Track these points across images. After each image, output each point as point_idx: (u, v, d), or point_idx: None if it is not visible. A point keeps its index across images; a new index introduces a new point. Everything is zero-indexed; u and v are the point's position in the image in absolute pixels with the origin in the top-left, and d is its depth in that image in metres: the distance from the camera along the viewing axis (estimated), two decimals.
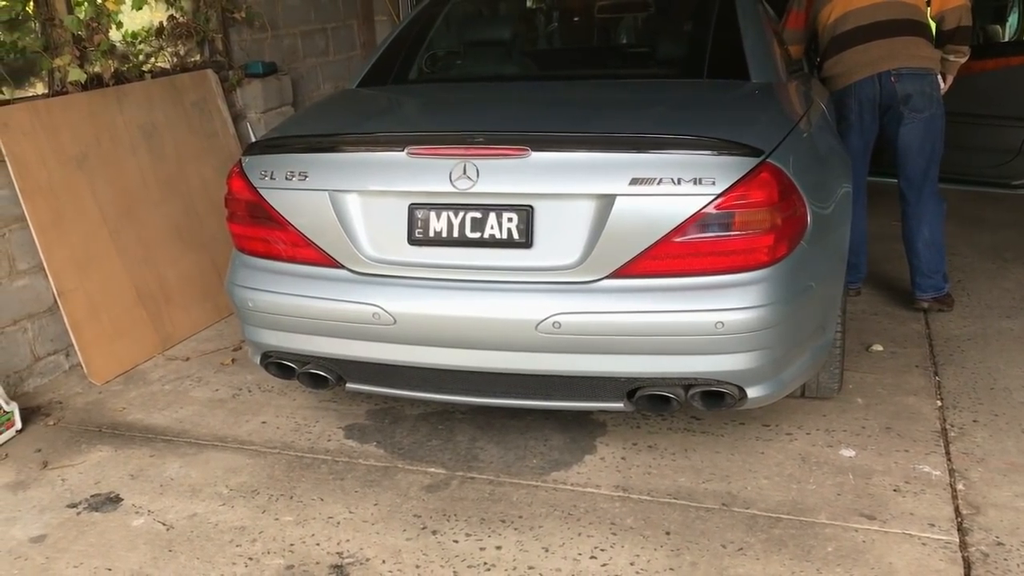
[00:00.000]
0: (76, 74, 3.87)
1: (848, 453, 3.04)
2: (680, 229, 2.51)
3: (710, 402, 2.70)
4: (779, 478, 2.91)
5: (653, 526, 2.70)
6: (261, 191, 2.84)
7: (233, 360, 4.04)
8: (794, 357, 2.74)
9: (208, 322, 4.45)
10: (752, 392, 2.66)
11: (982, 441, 3.07)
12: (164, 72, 4.58)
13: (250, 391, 3.73)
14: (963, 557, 2.50)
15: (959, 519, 2.66)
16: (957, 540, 2.57)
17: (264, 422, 3.46)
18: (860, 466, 2.96)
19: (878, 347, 3.81)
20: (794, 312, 2.61)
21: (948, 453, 3.01)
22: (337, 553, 2.66)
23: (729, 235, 2.50)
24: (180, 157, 4.49)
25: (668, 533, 2.67)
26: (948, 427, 3.17)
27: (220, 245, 4.51)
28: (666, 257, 2.54)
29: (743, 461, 3.02)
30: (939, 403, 3.34)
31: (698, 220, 2.49)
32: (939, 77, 3.99)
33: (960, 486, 2.83)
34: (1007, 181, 4.72)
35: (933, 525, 2.64)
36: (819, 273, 2.76)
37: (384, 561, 2.61)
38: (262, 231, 2.88)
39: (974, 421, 3.21)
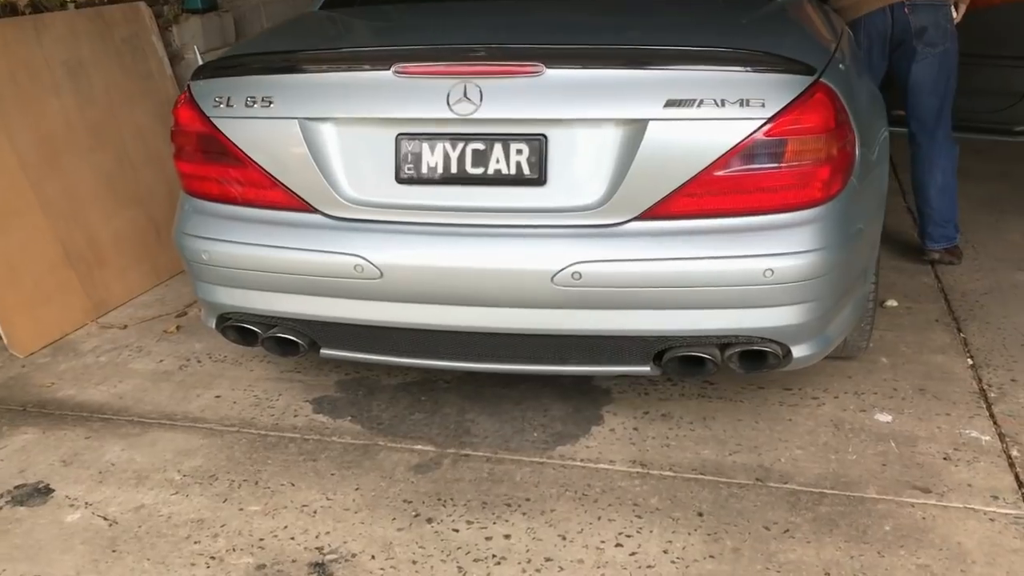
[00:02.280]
0: None
1: (884, 418, 2.73)
2: (723, 160, 2.13)
3: (749, 364, 2.35)
4: (814, 448, 2.59)
5: (682, 507, 2.36)
6: (215, 121, 2.39)
7: (178, 328, 3.58)
8: (839, 310, 2.41)
9: (147, 286, 3.98)
10: (797, 351, 2.33)
11: None
12: (89, 3, 4.03)
13: (199, 361, 3.28)
14: None
15: (1023, 490, 2.37)
16: None
17: (218, 396, 3.02)
18: (901, 432, 2.66)
19: (892, 302, 3.52)
20: (846, 257, 2.28)
21: (992, 416, 2.73)
22: (316, 548, 2.26)
23: (780, 167, 2.14)
24: (111, 100, 3.97)
25: (701, 514, 2.33)
26: (986, 387, 2.89)
27: (158, 200, 4.04)
28: (706, 194, 2.17)
29: (770, 430, 2.69)
30: (970, 361, 3.06)
31: (744, 149, 2.12)
32: (952, 8, 3.68)
33: (1015, 452, 2.54)
34: (1008, 127, 4.43)
35: (996, 497, 2.35)
36: (867, 213, 2.43)
37: (373, 556, 2.22)
38: (217, 169, 2.43)
39: (1012, 380, 2.93)
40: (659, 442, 2.65)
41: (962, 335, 3.25)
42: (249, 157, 2.37)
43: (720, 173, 2.15)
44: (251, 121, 2.35)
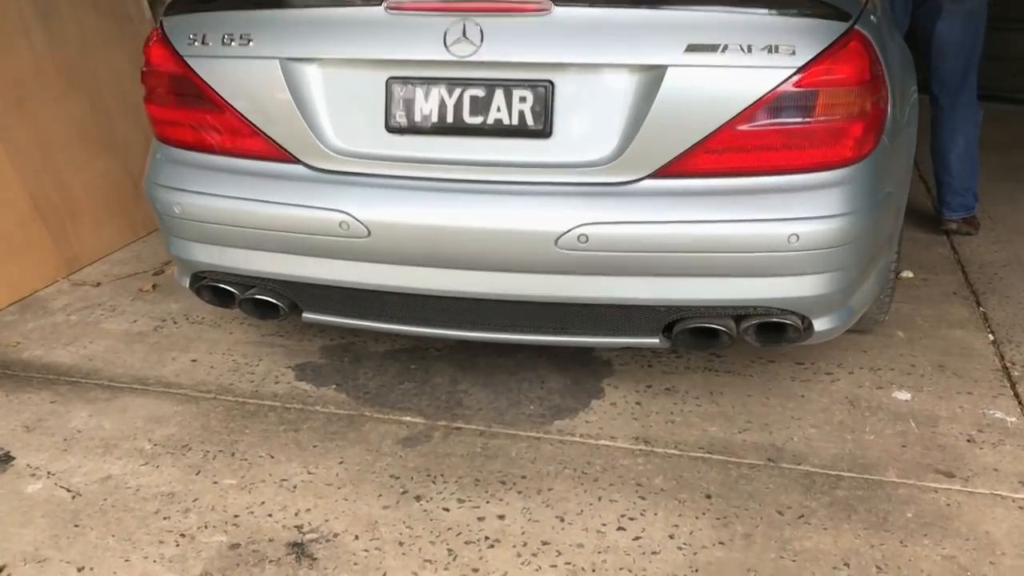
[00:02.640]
0: None
1: (903, 396, 2.57)
2: (747, 113, 1.95)
3: (767, 337, 2.18)
4: (829, 427, 2.43)
5: (689, 488, 2.20)
6: (189, 61, 2.20)
7: (154, 286, 3.39)
8: (863, 280, 2.24)
9: (123, 241, 3.79)
10: (819, 324, 2.16)
11: None
12: None
13: (176, 323, 3.10)
14: None
15: None
16: None
17: (194, 360, 2.84)
18: (920, 411, 2.50)
19: (908, 273, 3.35)
20: (874, 224, 2.11)
21: (1017, 395, 2.58)
22: (295, 527, 2.10)
23: (809, 121, 1.96)
24: (85, 43, 3.74)
25: (709, 496, 2.17)
26: (1009, 365, 2.73)
27: (136, 151, 3.82)
28: (727, 150, 1.98)
29: (782, 406, 2.53)
30: (991, 337, 2.90)
31: (771, 101, 1.94)
32: None
33: None
34: (1012, 95, 4.19)
35: None
36: (897, 176, 2.25)
37: (357, 536, 2.06)
38: (191, 114, 2.23)
39: None
40: (663, 418, 2.49)
41: (981, 309, 3.09)
42: (226, 101, 2.18)
43: (744, 127, 1.96)
44: (228, 61, 2.15)
